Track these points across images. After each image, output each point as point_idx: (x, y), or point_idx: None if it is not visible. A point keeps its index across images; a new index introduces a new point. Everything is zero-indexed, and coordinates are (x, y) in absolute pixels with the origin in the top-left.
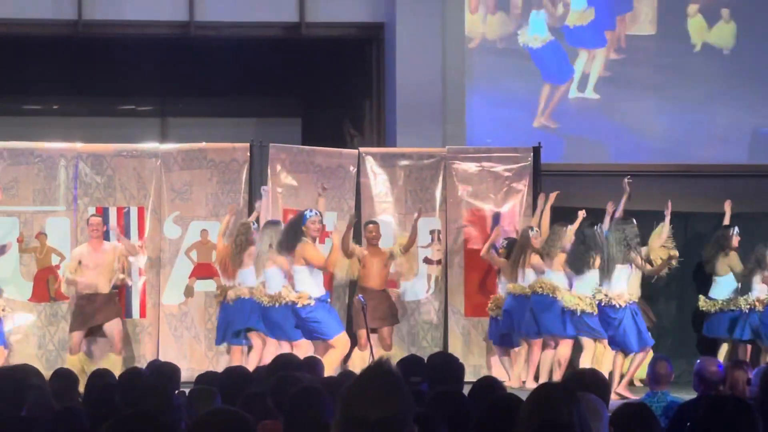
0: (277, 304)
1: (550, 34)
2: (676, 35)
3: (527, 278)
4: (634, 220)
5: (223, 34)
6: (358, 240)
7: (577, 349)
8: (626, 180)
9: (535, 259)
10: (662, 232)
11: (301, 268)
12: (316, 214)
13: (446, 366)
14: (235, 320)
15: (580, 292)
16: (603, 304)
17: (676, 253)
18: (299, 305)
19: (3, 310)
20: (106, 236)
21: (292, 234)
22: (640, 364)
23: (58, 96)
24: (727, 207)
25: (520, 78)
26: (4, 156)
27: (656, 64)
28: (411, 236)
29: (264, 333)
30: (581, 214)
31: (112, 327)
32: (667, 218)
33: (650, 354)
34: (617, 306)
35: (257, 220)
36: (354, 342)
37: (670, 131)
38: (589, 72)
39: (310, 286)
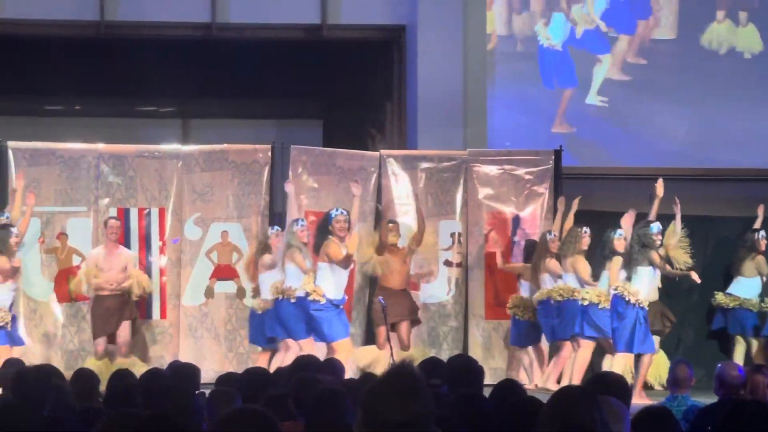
0: (282, 297)
1: (565, 37)
2: (697, 39)
3: (545, 283)
4: (658, 223)
5: (244, 36)
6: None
7: (599, 352)
8: (659, 182)
9: (552, 263)
10: (674, 231)
11: (324, 265)
12: (342, 213)
13: (466, 368)
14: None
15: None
16: (618, 296)
17: (696, 278)
18: (310, 298)
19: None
20: (126, 239)
21: (319, 234)
22: (647, 369)
23: (79, 97)
24: (760, 211)
25: (540, 81)
26: (26, 156)
27: (676, 69)
28: (419, 227)
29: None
30: (631, 214)
31: (121, 329)
32: (678, 216)
33: (656, 359)
34: (627, 300)
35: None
36: (372, 341)
37: (691, 135)
38: (605, 77)
39: (328, 285)
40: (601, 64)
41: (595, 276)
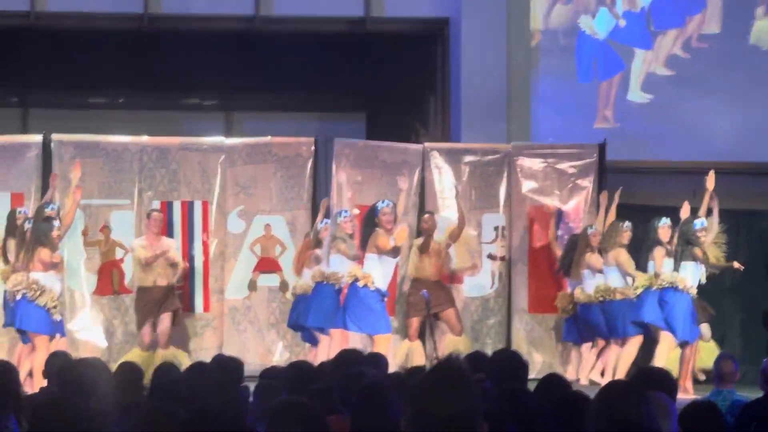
0: (325, 282)
1: (609, 30)
2: (741, 34)
3: (585, 278)
4: (703, 219)
5: (288, 29)
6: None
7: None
8: (710, 174)
9: (593, 258)
10: (711, 227)
11: (372, 256)
12: (388, 204)
13: (511, 363)
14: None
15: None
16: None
17: (740, 267)
18: (360, 284)
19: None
20: (169, 232)
21: (366, 226)
22: (691, 361)
23: (123, 90)
24: None
25: (583, 74)
26: (69, 149)
27: (721, 64)
28: (459, 224)
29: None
30: (686, 206)
31: (162, 320)
32: (715, 212)
33: (699, 349)
34: (676, 287)
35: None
36: (404, 333)
37: (736, 130)
38: (649, 71)
39: (376, 276)
40: (640, 59)
41: (642, 267)
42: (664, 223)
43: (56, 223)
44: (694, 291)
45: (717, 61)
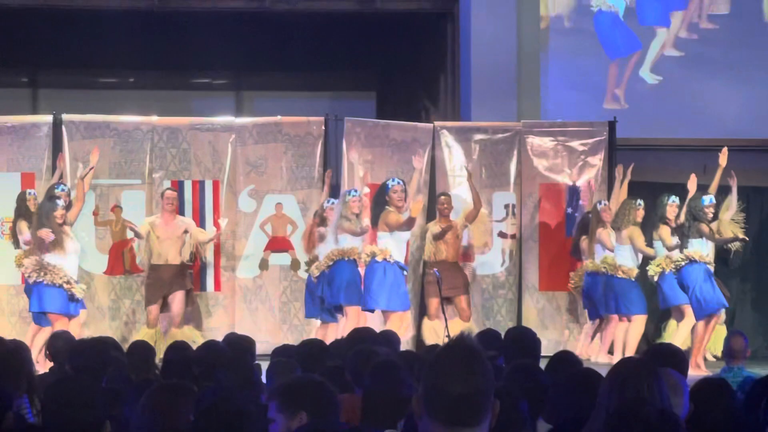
0: (342, 258)
1: (624, 8)
2: (750, 13)
3: (597, 253)
4: (711, 195)
5: (298, 8)
6: (433, 212)
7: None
8: (723, 151)
9: (604, 234)
10: (730, 205)
11: (384, 234)
12: (398, 182)
13: (524, 340)
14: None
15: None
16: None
17: (745, 238)
18: (378, 258)
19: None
20: (180, 212)
21: (376, 205)
22: (706, 337)
23: (134, 69)
24: None
25: (593, 54)
26: (80, 129)
27: (730, 43)
28: (475, 205)
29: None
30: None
31: (174, 299)
32: (734, 190)
33: (717, 328)
34: (692, 260)
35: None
36: (424, 312)
37: (747, 108)
38: (659, 52)
39: (392, 251)
40: (657, 38)
41: (649, 243)
42: (673, 201)
43: (60, 202)
44: (709, 260)
45: (726, 41)
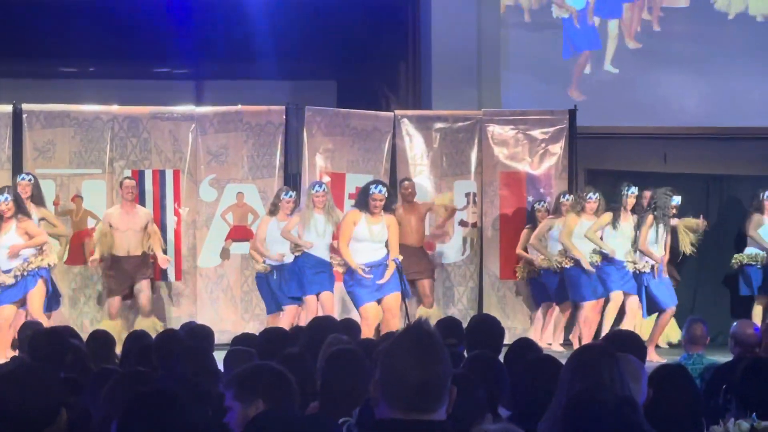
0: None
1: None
2: (708, 4)
3: (551, 244)
4: (679, 197)
5: None
6: (394, 200)
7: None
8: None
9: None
10: (695, 226)
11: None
12: (381, 191)
13: (487, 329)
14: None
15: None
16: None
17: (705, 222)
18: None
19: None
20: (141, 201)
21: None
22: (662, 328)
23: (94, 59)
24: None
25: (553, 44)
26: (40, 119)
27: (689, 35)
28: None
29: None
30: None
31: (140, 289)
32: (701, 222)
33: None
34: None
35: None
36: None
37: (705, 98)
38: (618, 45)
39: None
40: (614, 32)
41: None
42: (633, 192)
43: (4, 197)
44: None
45: (685, 33)
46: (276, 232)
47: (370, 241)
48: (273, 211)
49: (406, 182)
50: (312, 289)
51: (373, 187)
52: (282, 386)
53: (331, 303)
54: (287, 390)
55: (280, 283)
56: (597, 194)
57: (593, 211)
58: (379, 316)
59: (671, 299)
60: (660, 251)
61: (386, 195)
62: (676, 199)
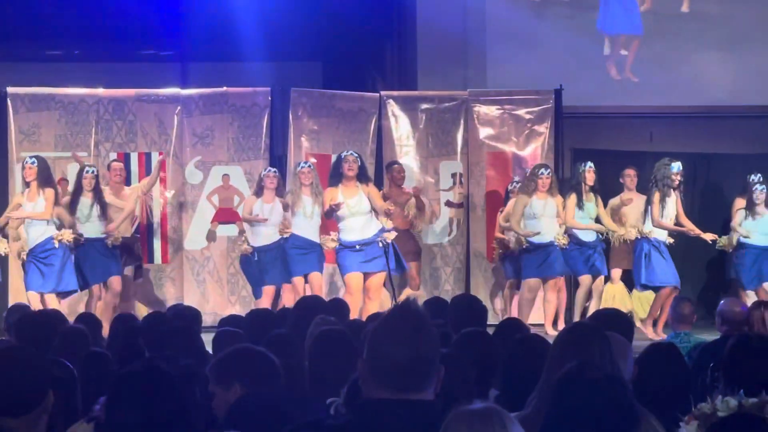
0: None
1: None
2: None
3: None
4: (679, 163)
5: None
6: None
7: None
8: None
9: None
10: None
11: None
12: (351, 153)
13: (469, 308)
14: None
15: None
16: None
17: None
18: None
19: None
20: (127, 183)
21: (332, 178)
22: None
23: (79, 41)
24: None
25: (539, 22)
26: (25, 102)
27: (676, 13)
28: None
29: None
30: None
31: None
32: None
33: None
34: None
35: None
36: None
37: (691, 77)
38: None
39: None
40: None
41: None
42: (590, 166)
43: None
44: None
45: (672, 11)
46: (260, 213)
47: (351, 216)
48: (258, 192)
49: (397, 165)
50: (299, 270)
51: (343, 153)
52: (262, 368)
53: (319, 284)
54: (269, 371)
55: (266, 265)
56: (549, 170)
57: (546, 188)
58: (362, 288)
59: (673, 277)
60: (672, 222)
61: (359, 160)
62: (676, 166)
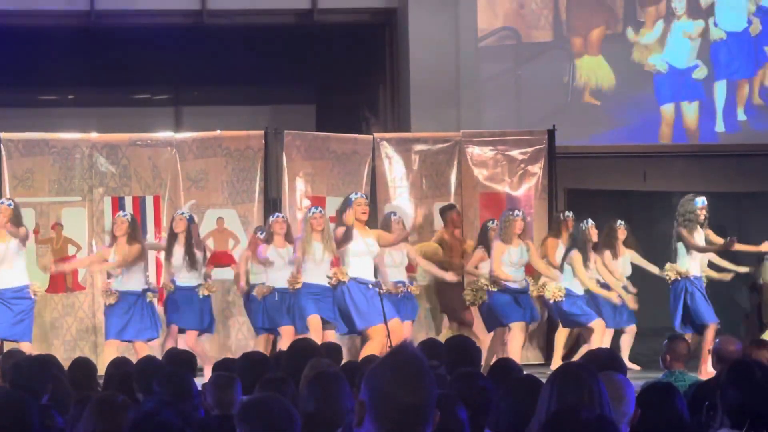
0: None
1: None
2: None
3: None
4: (704, 198)
5: (235, 22)
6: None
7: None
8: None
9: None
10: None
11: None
12: (361, 195)
13: (464, 349)
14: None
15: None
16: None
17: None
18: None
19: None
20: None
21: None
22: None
23: (72, 86)
24: None
25: (530, 64)
26: (19, 147)
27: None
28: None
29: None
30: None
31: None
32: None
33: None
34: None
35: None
36: None
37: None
38: None
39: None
40: None
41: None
42: (591, 223)
43: None
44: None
45: None
46: (276, 259)
47: (369, 254)
48: (268, 239)
49: (455, 207)
50: (315, 309)
51: (352, 195)
52: (287, 418)
53: (319, 326)
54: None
55: (285, 305)
56: (520, 212)
57: (521, 230)
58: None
59: (714, 315)
60: (705, 258)
61: (368, 202)
62: (700, 201)
